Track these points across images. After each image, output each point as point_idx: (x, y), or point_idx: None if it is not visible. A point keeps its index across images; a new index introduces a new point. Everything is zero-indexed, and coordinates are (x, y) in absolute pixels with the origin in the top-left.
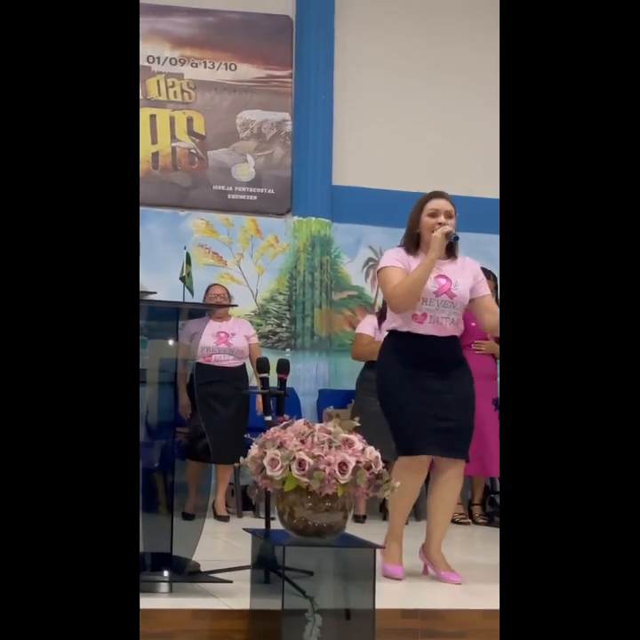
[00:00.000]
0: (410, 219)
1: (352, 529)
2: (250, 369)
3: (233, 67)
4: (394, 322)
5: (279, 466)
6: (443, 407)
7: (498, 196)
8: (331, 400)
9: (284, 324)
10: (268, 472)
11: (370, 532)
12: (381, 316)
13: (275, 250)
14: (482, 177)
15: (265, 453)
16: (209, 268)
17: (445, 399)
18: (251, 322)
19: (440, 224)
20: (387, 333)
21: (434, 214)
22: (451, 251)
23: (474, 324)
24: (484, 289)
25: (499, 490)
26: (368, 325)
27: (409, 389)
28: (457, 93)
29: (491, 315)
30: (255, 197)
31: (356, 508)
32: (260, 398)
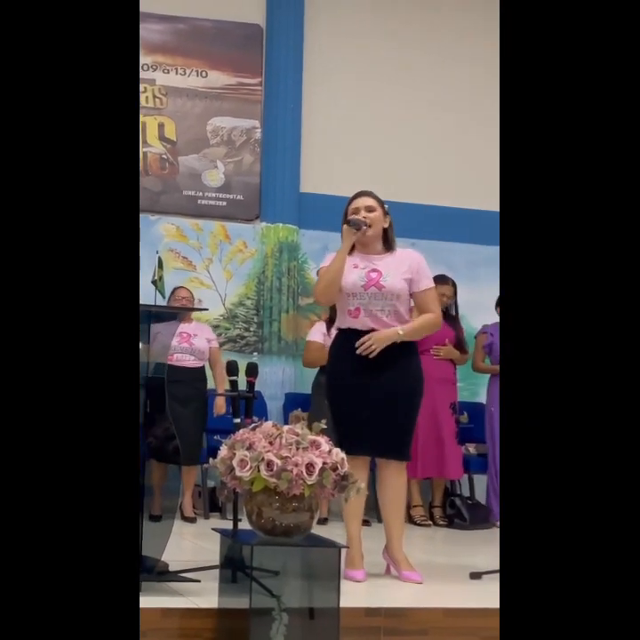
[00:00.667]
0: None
1: (316, 531)
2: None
3: (204, 74)
4: (337, 320)
5: (248, 467)
6: (380, 406)
7: (461, 205)
8: (297, 403)
9: (251, 329)
10: (237, 473)
11: (333, 533)
12: (330, 322)
13: (243, 255)
14: (446, 185)
15: (234, 454)
16: (178, 271)
17: (383, 398)
18: (219, 325)
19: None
20: (336, 332)
21: (355, 211)
22: (386, 244)
23: None
24: (424, 283)
25: (459, 492)
26: (316, 332)
27: (345, 388)
28: (425, 102)
29: (424, 312)
30: (224, 203)
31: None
32: (218, 400)
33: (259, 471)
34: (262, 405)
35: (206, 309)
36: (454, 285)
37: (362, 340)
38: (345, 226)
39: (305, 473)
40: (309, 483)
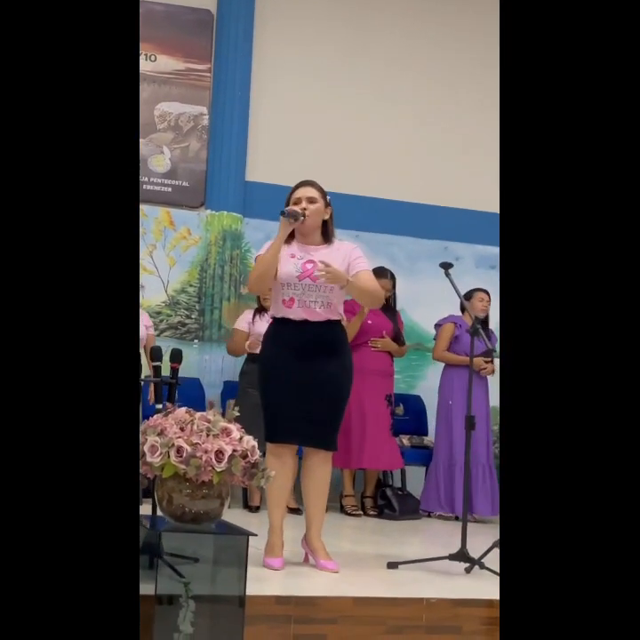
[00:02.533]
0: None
1: (246, 518)
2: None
3: (153, 58)
4: (271, 309)
5: (158, 452)
6: (306, 395)
7: (405, 198)
8: (235, 391)
9: (193, 316)
10: (148, 458)
11: (265, 521)
12: (259, 310)
13: (187, 242)
14: (391, 178)
15: (146, 440)
16: None
17: (311, 387)
18: (160, 312)
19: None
20: (269, 321)
21: (297, 202)
22: (325, 236)
23: (370, 322)
24: (361, 265)
25: (390, 483)
26: (242, 321)
27: (275, 375)
28: (373, 94)
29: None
30: (170, 189)
31: (251, 497)
32: (152, 388)
33: (169, 457)
34: (201, 393)
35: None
36: (393, 278)
37: (322, 264)
38: (281, 216)
39: (214, 460)
40: (218, 470)
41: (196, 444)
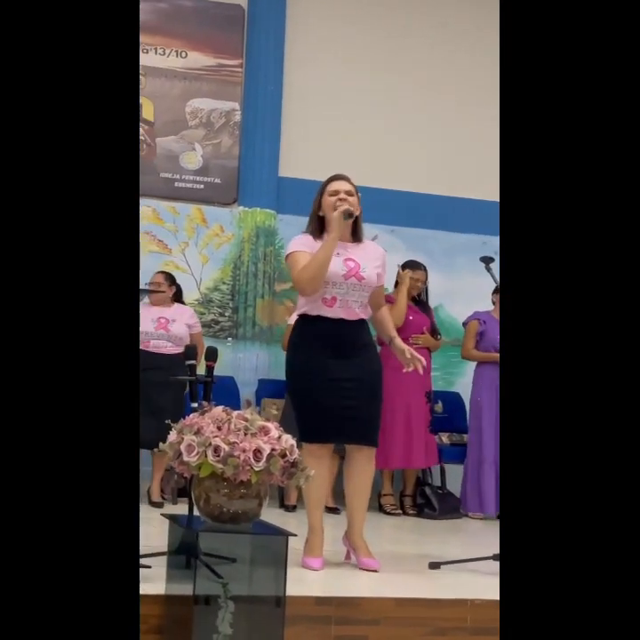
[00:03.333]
0: (313, 204)
1: (282, 518)
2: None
3: (184, 54)
4: (304, 306)
5: (195, 451)
6: (347, 393)
7: (441, 192)
8: (270, 389)
9: (226, 314)
10: (185, 458)
11: (302, 521)
12: None
13: (220, 239)
14: (426, 172)
15: (182, 439)
16: (154, 255)
17: (351, 386)
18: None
19: (340, 200)
20: (296, 318)
21: (334, 194)
22: (355, 234)
23: (411, 318)
24: (383, 279)
25: (430, 482)
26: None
27: (314, 374)
28: (407, 87)
29: (375, 305)
30: (202, 186)
31: (287, 497)
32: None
33: (206, 456)
34: (235, 391)
35: (162, 292)
36: (426, 271)
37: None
38: (336, 214)
39: (252, 459)
40: (257, 469)
41: (234, 443)
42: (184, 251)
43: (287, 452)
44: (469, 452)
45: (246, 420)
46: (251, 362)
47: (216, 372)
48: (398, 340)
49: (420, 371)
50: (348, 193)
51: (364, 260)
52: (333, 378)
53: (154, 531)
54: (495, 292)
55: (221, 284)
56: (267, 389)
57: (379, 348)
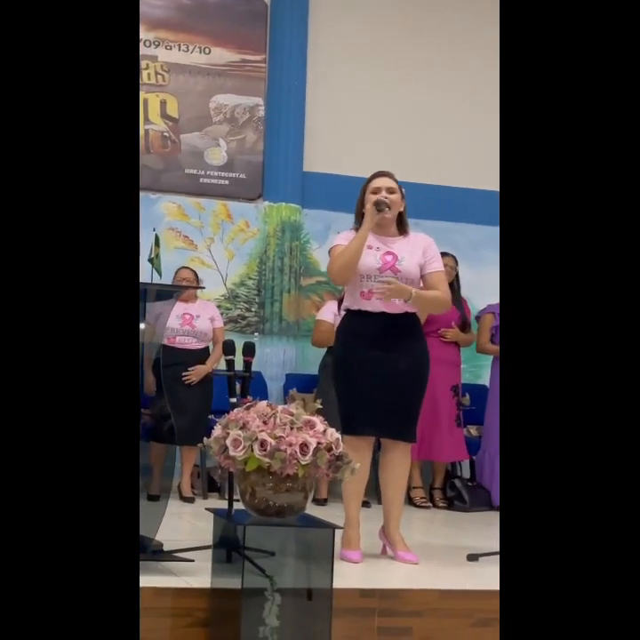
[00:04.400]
0: (358, 201)
1: (313, 512)
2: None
3: (207, 50)
4: (347, 301)
5: (241, 446)
6: (388, 387)
7: (466, 185)
8: (297, 384)
9: (252, 309)
10: (231, 452)
11: (332, 514)
12: (341, 301)
13: (245, 235)
14: (451, 165)
15: (228, 434)
16: (179, 251)
17: (391, 379)
18: (219, 306)
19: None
20: (344, 313)
21: (376, 192)
22: (401, 227)
23: None
24: (435, 265)
25: (459, 474)
26: (328, 311)
27: (357, 368)
28: (430, 83)
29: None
30: (227, 182)
31: (317, 491)
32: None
33: (252, 451)
34: (263, 386)
35: (203, 288)
36: (454, 258)
37: (385, 283)
38: (369, 206)
39: (299, 453)
40: (303, 463)
41: (280, 437)
42: (209, 246)
43: (333, 446)
44: (483, 444)
45: (292, 414)
46: (278, 357)
47: (237, 367)
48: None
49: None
50: (390, 190)
51: (403, 252)
52: (377, 372)
53: (185, 525)
54: None
55: (247, 279)
56: (294, 384)
57: None
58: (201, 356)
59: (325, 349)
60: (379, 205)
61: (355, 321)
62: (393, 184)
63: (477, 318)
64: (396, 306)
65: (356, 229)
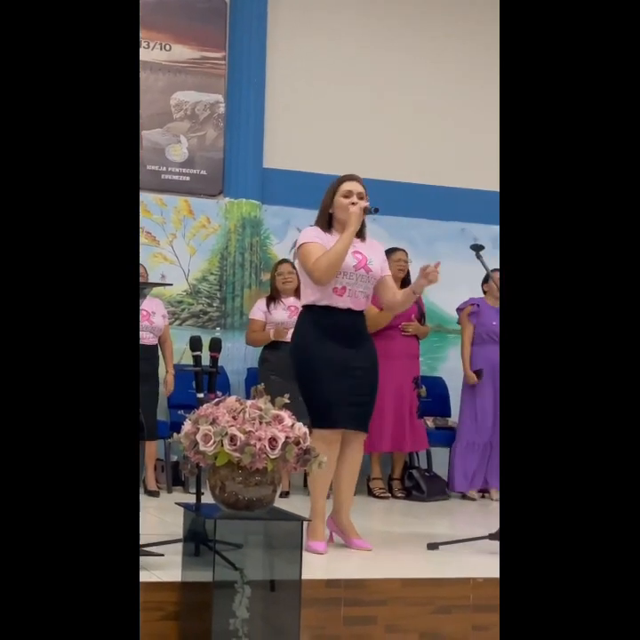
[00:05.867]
0: (324, 200)
1: (277, 504)
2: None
3: (168, 47)
4: (312, 296)
5: (212, 441)
6: (356, 381)
7: (422, 181)
8: (258, 378)
9: (214, 304)
10: (201, 447)
11: (296, 506)
12: (270, 299)
13: (206, 230)
14: (407, 161)
15: (198, 429)
16: (142, 247)
17: (359, 374)
18: (182, 301)
19: (354, 204)
20: (302, 307)
21: (347, 195)
22: (360, 232)
23: None
24: (388, 270)
25: (417, 465)
26: (257, 310)
27: (325, 362)
28: (388, 79)
29: (392, 294)
30: (188, 178)
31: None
32: (168, 377)
33: (222, 446)
34: (225, 380)
35: (170, 285)
36: (405, 252)
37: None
38: (356, 210)
39: (268, 447)
40: (272, 457)
41: (250, 431)
42: (172, 242)
43: (301, 440)
44: (459, 434)
45: (260, 409)
46: (239, 351)
47: (204, 362)
48: (408, 290)
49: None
50: (360, 195)
51: (370, 254)
52: (345, 366)
53: (152, 519)
54: (485, 280)
55: (209, 274)
56: (256, 378)
57: None
58: (154, 351)
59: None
60: (368, 212)
61: (321, 316)
62: (362, 189)
63: (459, 310)
64: (362, 303)
65: (319, 226)
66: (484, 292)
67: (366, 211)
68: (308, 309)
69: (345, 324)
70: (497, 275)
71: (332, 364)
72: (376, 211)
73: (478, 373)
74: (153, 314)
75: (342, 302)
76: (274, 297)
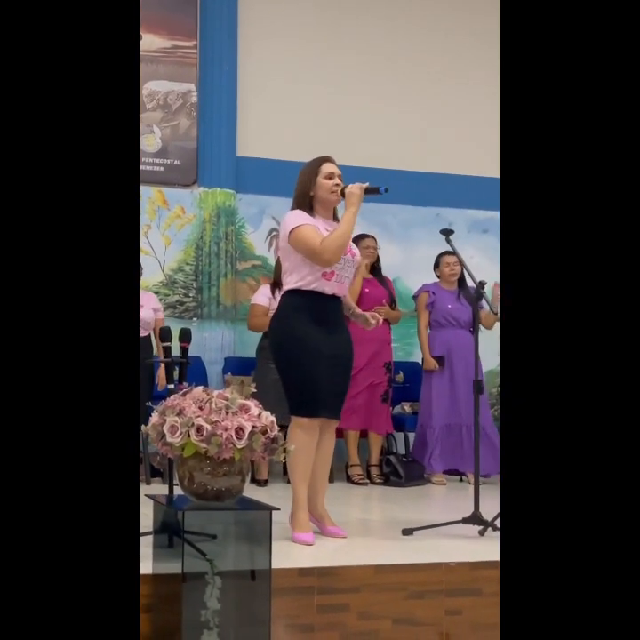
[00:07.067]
0: (302, 182)
1: (255, 493)
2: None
3: (139, 37)
4: (301, 280)
5: (178, 432)
6: (336, 369)
7: (396, 167)
8: (235, 367)
9: (190, 294)
10: (168, 439)
11: (274, 495)
12: (275, 285)
13: (181, 221)
14: (382, 147)
15: (165, 420)
16: None
17: (338, 362)
18: (158, 292)
19: (337, 185)
20: (285, 292)
21: (330, 177)
22: (334, 215)
23: (367, 290)
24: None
25: (394, 450)
26: (262, 296)
27: (310, 349)
28: (360, 63)
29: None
30: (162, 168)
31: (258, 472)
32: (160, 372)
33: (189, 436)
34: (202, 370)
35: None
36: (374, 238)
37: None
38: (356, 190)
39: (234, 437)
40: (239, 446)
41: (216, 422)
42: (147, 233)
43: (268, 429)
44: (420, 419)
45: (227, 399)
46: (216, 341)
47: (174, 353)
48: (358, 310)
49: (381, 321)
50: (340, 177)
51: None
52: (326, 353)
53: None
54: (436, 266)
55: (185, 265)
56: (232, 367)
57: None
58: (145, 343)
59: (262, 333)
60: (377, 192)
61: (305, 300)
62: (339, 171)
63: (414, 298)
64: (345, 288)
65: (301, 209)
66: (438, 277)
67: (377, 190)
68: (292, 294)
69: (328, 309)
70: (447, 258)
71: (316, 351)
72: (386, 190)
73: (439, 359)
74: (141, 307)
75: (329, 287)
76: (278, 283)
